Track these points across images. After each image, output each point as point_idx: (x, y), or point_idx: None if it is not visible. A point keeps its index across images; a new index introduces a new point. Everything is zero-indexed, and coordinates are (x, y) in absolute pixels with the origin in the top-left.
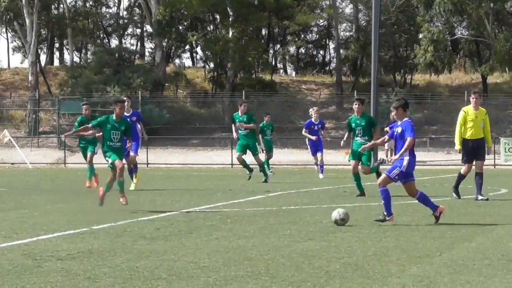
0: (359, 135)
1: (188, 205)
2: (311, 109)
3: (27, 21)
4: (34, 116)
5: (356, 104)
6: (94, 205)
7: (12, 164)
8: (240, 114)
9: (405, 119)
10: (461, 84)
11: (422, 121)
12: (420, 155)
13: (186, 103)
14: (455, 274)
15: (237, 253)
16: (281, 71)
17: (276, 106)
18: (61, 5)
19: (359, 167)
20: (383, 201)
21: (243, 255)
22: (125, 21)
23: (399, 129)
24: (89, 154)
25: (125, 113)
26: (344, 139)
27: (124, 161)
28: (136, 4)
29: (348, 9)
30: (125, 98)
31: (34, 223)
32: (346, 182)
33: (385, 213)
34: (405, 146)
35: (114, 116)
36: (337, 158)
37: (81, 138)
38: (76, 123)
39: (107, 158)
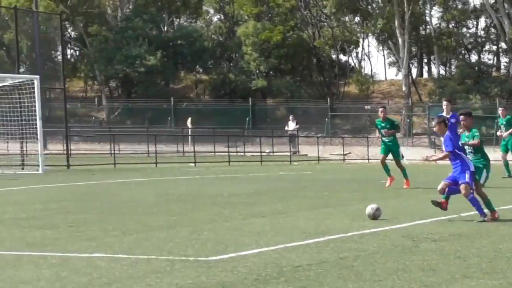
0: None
1: None
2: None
3: (400, 40)
4: (408, 120)
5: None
6: (458, 197)
7: None
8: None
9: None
10: None
11: None
12: None
13: None
14: None
15: None
16: None
17: None
18: (428, 26)
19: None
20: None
21: None
22: (483, 39)
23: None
24: (382, 156)
25: (444, 114)
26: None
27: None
28: (492, 24)
29: None
30: (445, 102)
31: (410, 210)
32: None
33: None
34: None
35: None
36: None
37: (382, 140)
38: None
39: None
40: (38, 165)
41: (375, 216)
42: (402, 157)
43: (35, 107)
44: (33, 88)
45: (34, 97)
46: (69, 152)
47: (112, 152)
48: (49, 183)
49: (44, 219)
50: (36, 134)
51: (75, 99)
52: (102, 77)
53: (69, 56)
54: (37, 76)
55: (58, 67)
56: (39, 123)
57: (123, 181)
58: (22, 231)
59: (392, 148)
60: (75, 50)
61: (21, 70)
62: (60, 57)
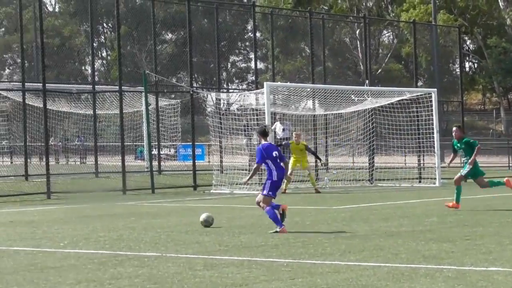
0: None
1: None
2: None
3: None
4: None
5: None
6: None
7: None
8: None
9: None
10: None
11: None
12: None
13: None
14: None
15: None
16: None
17: None
18: None
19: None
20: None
21: None
22: None
23: None
24: None
25: None
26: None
27: None
28: None
29: None
30: None
31: None
32: None
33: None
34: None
35: None
36: None
37: None
38: None
39: None
40: (435, 178)
41: (207, 222)
42: None
43: (432, 120)
44: (431, 101)
45: (431, 110)
46: None
47: (510, 165)
48: (446, 196)
49: (440, 232)
50: (433, 147)
51: (472, 112)
52: (500, 88)
53: (467, 69)
54: (435, 90)
55: (456, 79)
56: (436, 136)
57: None
58: (418, 243)
59: None
60: (473, 63)
61: (419, 83)
62: (458, 70)
